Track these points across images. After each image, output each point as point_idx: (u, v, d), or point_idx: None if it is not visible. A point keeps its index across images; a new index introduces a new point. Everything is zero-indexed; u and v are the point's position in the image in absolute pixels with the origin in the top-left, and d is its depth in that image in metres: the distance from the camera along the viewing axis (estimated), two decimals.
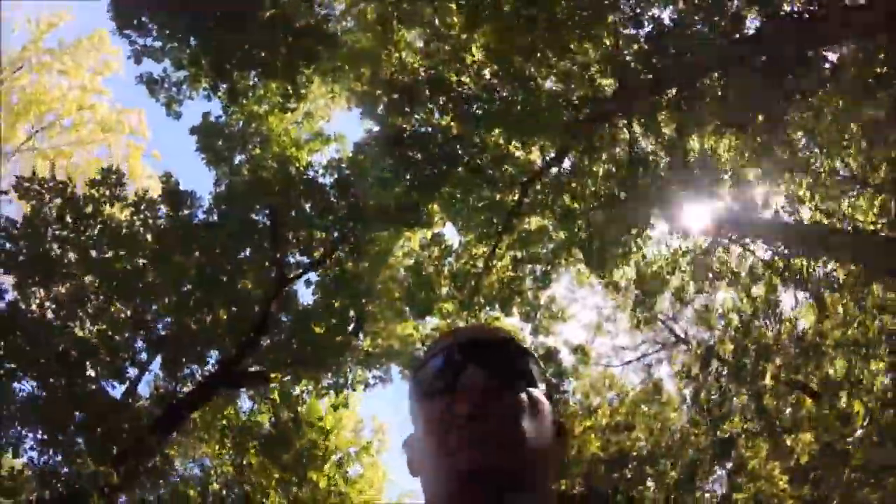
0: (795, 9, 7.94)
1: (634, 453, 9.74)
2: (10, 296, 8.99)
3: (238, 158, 11.21)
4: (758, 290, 8.75)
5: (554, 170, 10.00)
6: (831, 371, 8.02)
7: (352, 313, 10.96)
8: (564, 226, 9.78)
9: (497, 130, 9.98)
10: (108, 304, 9.13)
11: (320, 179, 11.07)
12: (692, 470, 8.55)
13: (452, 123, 9.54)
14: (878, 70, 7.72)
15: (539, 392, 1.05)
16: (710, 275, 9.22)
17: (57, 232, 9.16)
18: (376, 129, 10.05)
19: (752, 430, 8.42)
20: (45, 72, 14.49)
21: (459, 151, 9.29)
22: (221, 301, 9.63)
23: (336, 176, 10.79)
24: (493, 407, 0.97)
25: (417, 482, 1.05)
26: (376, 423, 13.81)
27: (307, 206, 10.79)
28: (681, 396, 10.16)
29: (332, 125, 11.94)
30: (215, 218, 10.76)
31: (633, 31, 9.59)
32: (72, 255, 9.10)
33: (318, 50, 10.20)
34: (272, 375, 10.34)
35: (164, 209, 10.61)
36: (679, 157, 9.22)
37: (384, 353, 10.97)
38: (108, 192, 9.76)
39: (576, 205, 9.41)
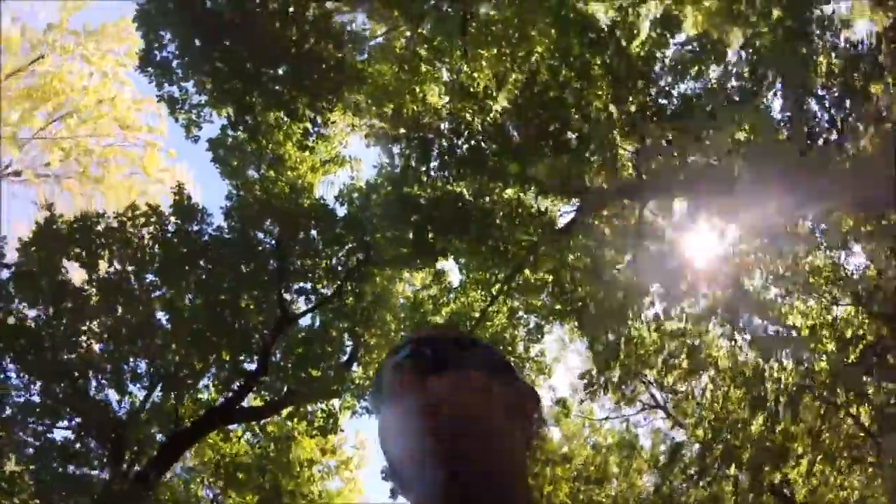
0: None
1: None
2: (18, 305, 9.35)
3: (251, 174, 11.45)
4: (737, 389, 9.20)
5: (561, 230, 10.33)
6: (793, 475, 8.53)
7: (349, 343, 11.37)
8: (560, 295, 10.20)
9: (511, 190, 10.30)
10: (113, 324, 9.47)
11: (331, 206, 11.38)
12: None
13: (465, 184, 9.83)
14: None
15: (462, 371, 1.04)
16: (695, 363, 9.69)
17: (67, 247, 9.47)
18: (390, 184, 10.27)
19: None
20: (67, 56, 14.49)
21: (472, 212, 9.58)
22: (224, 341, 9.95)
23: (347, 208, 11.07)
24: (420, 397, 0.99)
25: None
26: (358, 439, 14.32)
27: (315, 234, 11.09)
28: (654, 457, 10.68)
29: (348, 148, 12.07)
30: (225, 234, 11.07)
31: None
32: (81, 272, 9.42)
33: (342, 84, 10.39)
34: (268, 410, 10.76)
35: (172, 221, 10.90)
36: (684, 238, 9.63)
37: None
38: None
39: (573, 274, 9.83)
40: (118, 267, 9.84)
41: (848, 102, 8.98)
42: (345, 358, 11.32)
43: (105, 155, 14.75)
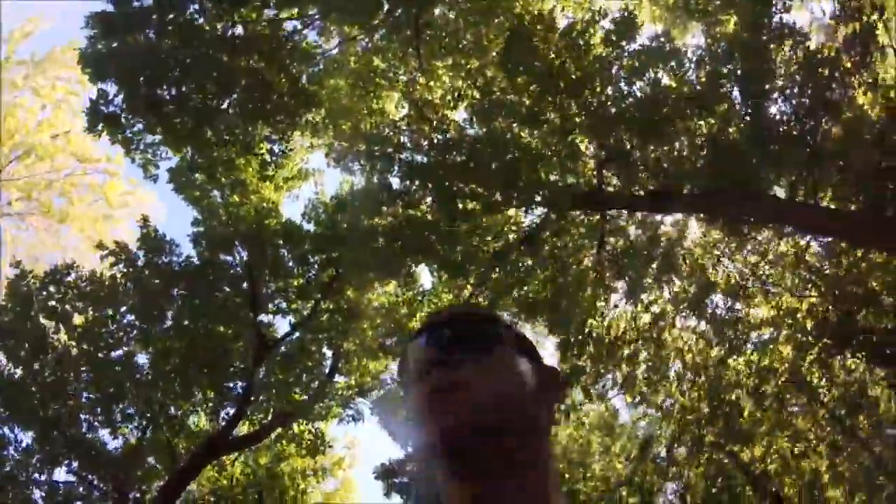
0: None
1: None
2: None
3: (215, 199, 11.52)
4: (705, 375, 9.72)
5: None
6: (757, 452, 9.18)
7: (329, 354, 11.78)
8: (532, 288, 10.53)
9: (474, 203, 10.51)
10: (95, 374, 9.76)
11: (298, 223, 11.53)
12: None
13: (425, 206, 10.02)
14: None
15: (504, 350, 1.09)
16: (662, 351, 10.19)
17: (42, 300, 9.66)
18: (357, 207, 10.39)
19: None
20: (16, 92, 14.09)
21: (438, 232, 9.80)
22: (205, 372, 10.26)
23: (314, 226, 11.25)
24: (452, 377, 1.02)
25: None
26: (348, 439, 14.81)
27: (285, 253, 11.30)
28: (628, 446, 11.29)
29: (310, 163, 12.08)
30: (195, 262, 11.24)
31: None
32: (57, 327, 9.65)
33: (297, 110, 10.40)
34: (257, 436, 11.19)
35: (141, 255, 11.04)
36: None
37: (358, 390, 11.86)
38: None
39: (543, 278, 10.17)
40: (93, 314, 10.06)
41: (808, 94, 9.18)
42: (327, 370, 11.76)
43: (66, 188, 14.68)
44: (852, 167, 8.83)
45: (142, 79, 9.35)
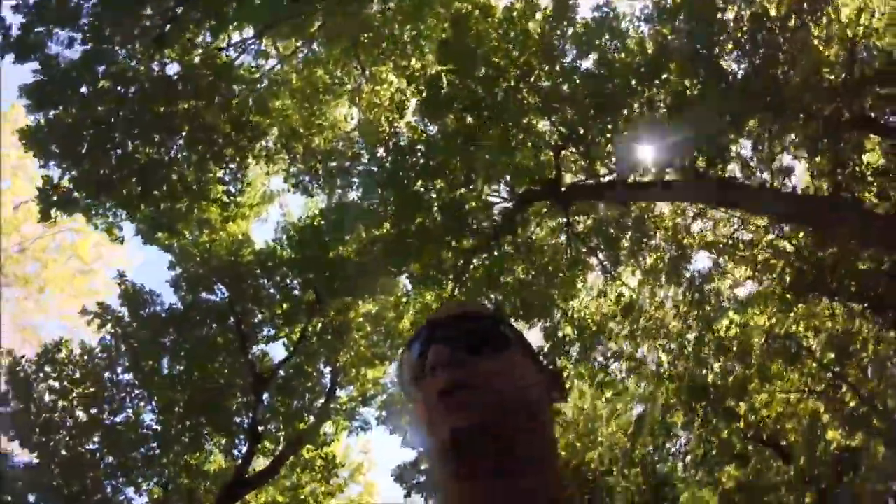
0: None
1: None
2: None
3: (186, 240, 11.56)
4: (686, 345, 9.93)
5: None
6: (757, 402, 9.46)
7: (326, 371, 12.03)
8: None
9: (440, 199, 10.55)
10: (108, 441, 10.03)
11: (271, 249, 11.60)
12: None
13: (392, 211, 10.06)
14: None
15: (513, 352, 1.10)
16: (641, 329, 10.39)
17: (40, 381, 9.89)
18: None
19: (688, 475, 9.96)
20: None
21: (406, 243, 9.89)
22: (211, 419, 10.51)
23: (288, 251, 11.31)
24: (462, 377, 1.03)
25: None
26: (361, 443, 15.06)
27: (264, 282, 11.42)
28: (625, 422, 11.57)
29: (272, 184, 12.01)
30: (178, 305, 11.39)
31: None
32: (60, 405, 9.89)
33: (247, 145, 10.34)
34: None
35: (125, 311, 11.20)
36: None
37: (361, 399, 12.16)
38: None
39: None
40: (92, 382, 10.30)
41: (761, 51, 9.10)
42: (327, 388, 12.04)
43: (37, 254, 14.71)
44: (816, 115, 8.83)
45: (84, 149, 9.32)
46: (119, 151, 9.76)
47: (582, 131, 9.99)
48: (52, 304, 15.05)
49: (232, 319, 11.28)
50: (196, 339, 11.08)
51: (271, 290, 11.47)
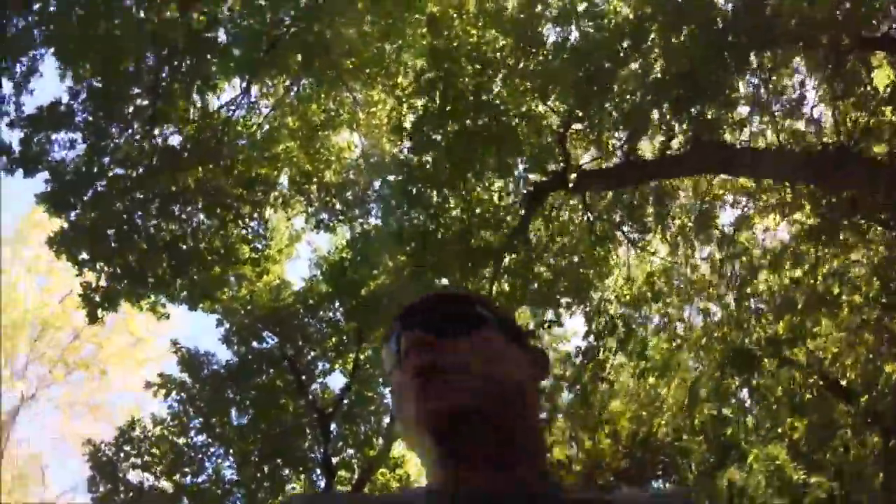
0: None
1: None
2: None
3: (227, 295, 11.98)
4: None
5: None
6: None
7: (386, 391, 12.40)
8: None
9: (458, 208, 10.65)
10: None
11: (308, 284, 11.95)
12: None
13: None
14: None
15: (486, 330, 1.08)
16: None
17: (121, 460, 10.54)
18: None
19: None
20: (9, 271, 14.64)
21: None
22: (287, 462, 11.01)
23: (325, 286, 11.63)
24: (430, 358, 1.03)
25: None
26: None
27: (311, 322, 11.80)
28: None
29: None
30: (233, 358, 11.87)
31: None
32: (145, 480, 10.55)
33: (261, 199, 10.61)
34: None
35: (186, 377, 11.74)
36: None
37: None
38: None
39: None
40: (170, 451, 10.92)
41: None
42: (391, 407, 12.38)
43: (92, 338, 15.41)
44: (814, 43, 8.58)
45: (111, 243, 9.73)
46: (143, 235, 10.17)
47: (580, 111, 9.93)
48: (116, 380, 15.88)
49: (286, 362, 11.70)
50: (256, 387, 11.56)
51: (317, 326, 11.82)
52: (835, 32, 8.49)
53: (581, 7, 9.90)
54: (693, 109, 9.04)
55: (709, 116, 9.14)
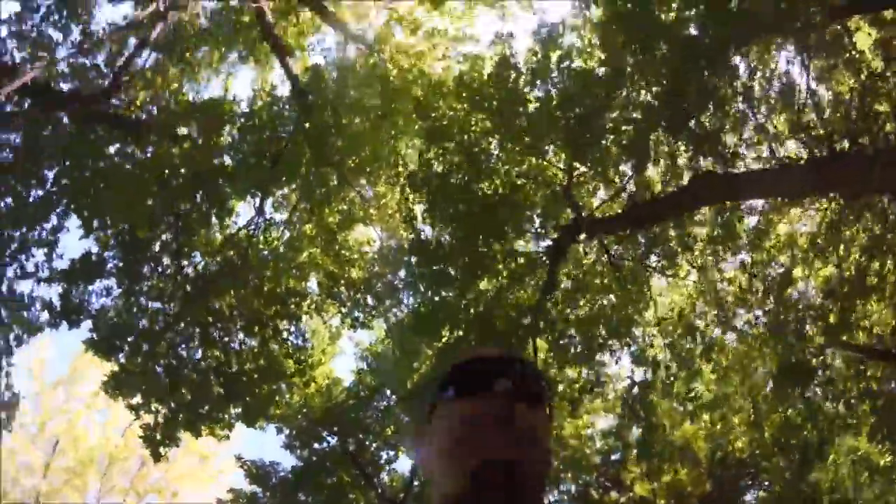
0: None
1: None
2: None
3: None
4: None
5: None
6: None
7: None
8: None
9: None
10: None
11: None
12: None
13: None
14: None
15: (546, 411, 1.17)
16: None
17: None
18: None
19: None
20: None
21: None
22: None
23: (371, 379, 11.89)
24: (516, 414, 1.09)
25: None
26: None
27: (367, 414, 12.03)
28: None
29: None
30: (298, 462, 12.12)
31: None
32: None
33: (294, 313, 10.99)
34: None
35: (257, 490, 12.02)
36: None
37: None
38: None
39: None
40: None
41: None
42: None
43: (159, 465, 15.83)
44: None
45: (161, 380, 10.18)
46: (190, 366, 10.58)
47: (578, 156, 10.10)
48: (188, 499, 16.20)
49: (349, 458, 11.91)
50: (325, 487, 11.75)
51: (374, 417, 12.03)
52: (805, 9, 8.57)
53: (554, 61, 10.10)
54: (690, 123, 9.15)
55: (705, 123, 9.25)
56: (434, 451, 1.15)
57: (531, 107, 10.30)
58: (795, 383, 9.05)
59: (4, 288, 10.23)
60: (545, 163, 10.70)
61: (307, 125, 10.56)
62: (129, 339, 10.78)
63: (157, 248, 11.38)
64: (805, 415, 10.14)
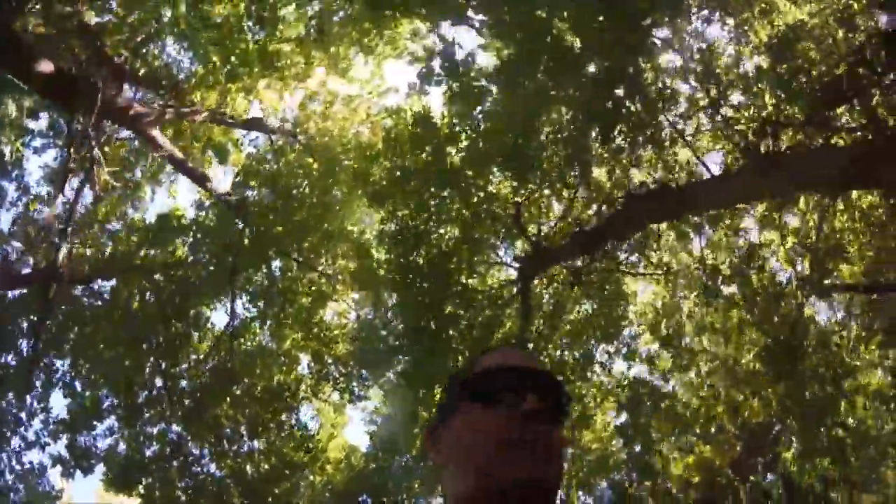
0: None
1: None
2: None
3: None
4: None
5: None
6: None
7: None
8: None
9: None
10: None
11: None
12: None
13: None
14: None
15: (562, 426, 1.21)
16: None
17: None
18: None
19: None
20: None
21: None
22: None
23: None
24: (542, 433, 1.13)
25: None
26: None
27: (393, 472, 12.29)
28: None
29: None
30: None
31: None
32: None
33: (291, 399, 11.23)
34: None
35: None
36: None
37: None
38: None
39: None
40: None
41: None
42: None
43: None
44: None
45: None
46: (209, 481, 10.87)
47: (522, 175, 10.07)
48: None
49: None
50: None
51: (399, 472, 12.28)
52: None
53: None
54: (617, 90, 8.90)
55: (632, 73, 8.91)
56: (456, 457, 1.18)
57: (462, 144, 10.40)
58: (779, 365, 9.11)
59: (14, 462, 10.54)
60: (491, 192, 10.77)
61: (250, 226, 10.71)
62: (143, 469, 11.08)
63: (147, 373, 11.63)
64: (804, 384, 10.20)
